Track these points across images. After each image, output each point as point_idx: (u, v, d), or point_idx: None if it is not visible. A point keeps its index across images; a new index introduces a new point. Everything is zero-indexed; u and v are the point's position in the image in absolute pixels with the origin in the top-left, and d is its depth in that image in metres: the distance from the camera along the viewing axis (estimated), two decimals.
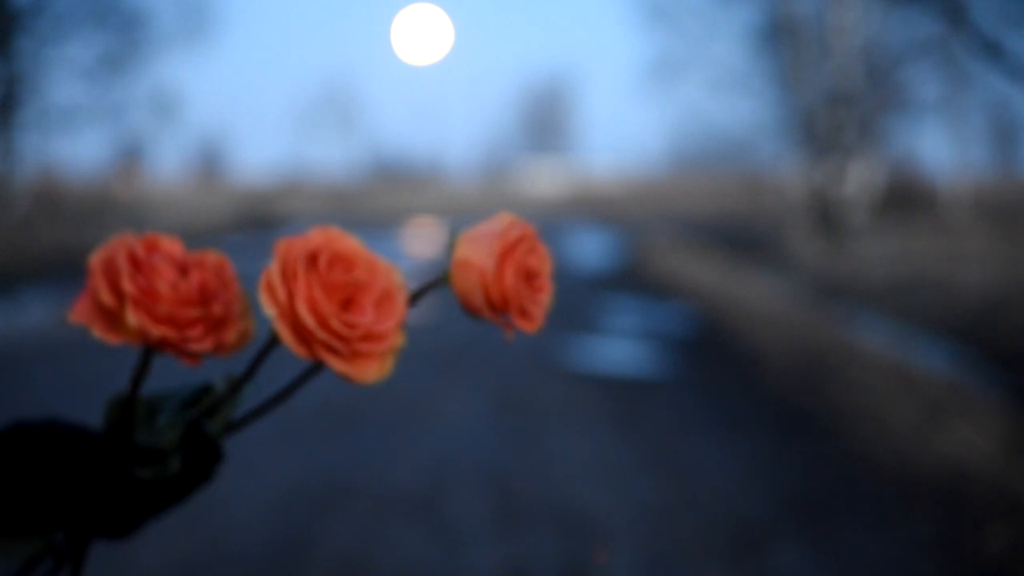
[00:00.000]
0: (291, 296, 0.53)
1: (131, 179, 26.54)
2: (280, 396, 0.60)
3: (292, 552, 3.67)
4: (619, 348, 7.86)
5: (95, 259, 0.55)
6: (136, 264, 0.55)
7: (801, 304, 10.67)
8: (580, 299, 10.95)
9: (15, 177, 17.85)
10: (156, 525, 3.90)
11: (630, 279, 13.26)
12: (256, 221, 24.18)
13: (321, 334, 0.53)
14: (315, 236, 0.55)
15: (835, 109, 18.10)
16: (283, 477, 4.55)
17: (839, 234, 17.52)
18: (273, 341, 0.56)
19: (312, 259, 0.54)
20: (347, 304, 0.54)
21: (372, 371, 0.55)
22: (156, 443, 0.57)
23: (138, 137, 23.07)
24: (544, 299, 0.60)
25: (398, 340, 0.55)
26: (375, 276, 0.55)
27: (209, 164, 43.78)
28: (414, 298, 0.57)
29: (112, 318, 0.54)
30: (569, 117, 52.62)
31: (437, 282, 0.59)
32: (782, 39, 18.82)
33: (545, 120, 51.88)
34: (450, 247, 0.60)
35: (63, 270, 13.79)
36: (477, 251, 0.59)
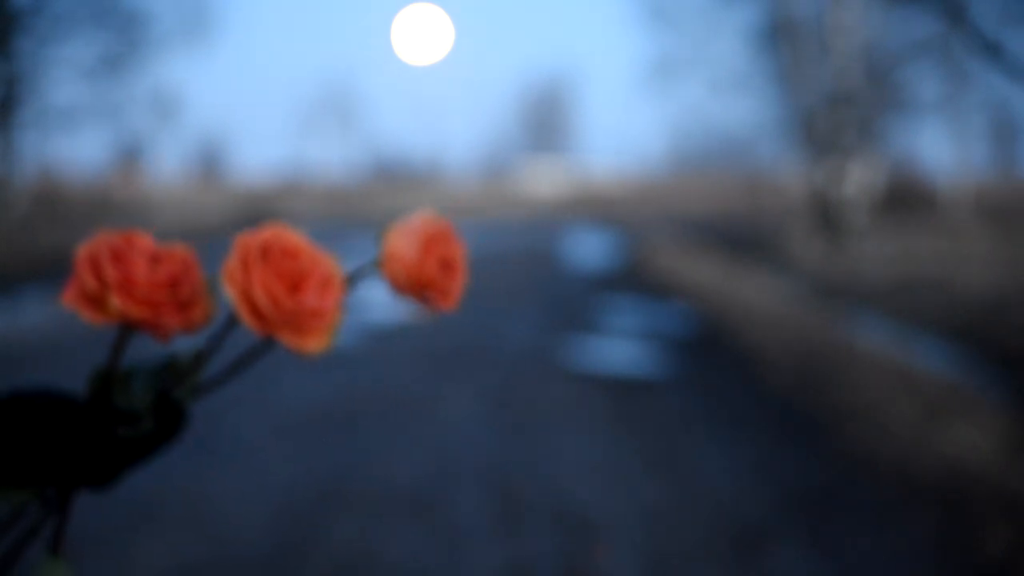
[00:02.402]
0: (249, 282, 0.64)
1: (131, 179, 26.54)
2: (236, 367, 0.69)
3: (293, 551, 3.67)
4: (619, 348, 7.86)
5: (81, 252, 0.65)
6: (116, 256, 0.65)
7: (801, 304, 10.67)
8: (580, 299, 10.95)
9: (15, 177, 17.85)
10: (158, 525, 3.90)
11: (630, 279, 13.26)
12: (256, 221, 24.14)
13: (274, 313, 0.64)
14: (267, 232, 0.66)
15: (835, 109, 18.10)
16: (283, 476, 4.54)
17: (839, 234, 17.53)
18: (232, 320, 0.66)
19: (265, 251, 0.65)
20: (294, 288, 0.65)
21: (316, 343, 0.66)
22: (132, 406, 0.68)
23: (138, 137, 23.06)
24: (459, 283, 0.72)
25: (338, 317, 0.66)
26: (317, 264, 0.66)
27: (209, 164, 43.79)
28: (349, 282, 0.68)
29: (97, 302, 0.65)
30: (569, 117, 52.65)
31: (368, 269, 0.71)
32: (782, 39, 18.82)
33: (545, 120, 51.89)
34: (380, 241, 0.71)
35: (63, 270, 13.78)
36: (403, 244, 0.70)
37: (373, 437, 5.23)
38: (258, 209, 27.41)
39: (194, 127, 54.53)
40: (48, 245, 15.44)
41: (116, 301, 0.64)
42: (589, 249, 18.68)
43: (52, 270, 13.66)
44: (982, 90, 19.18)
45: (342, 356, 7.30)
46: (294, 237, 0.66)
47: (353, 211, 30.34)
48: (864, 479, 4.51)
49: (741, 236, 19.78)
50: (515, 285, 12.35)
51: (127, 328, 0.66)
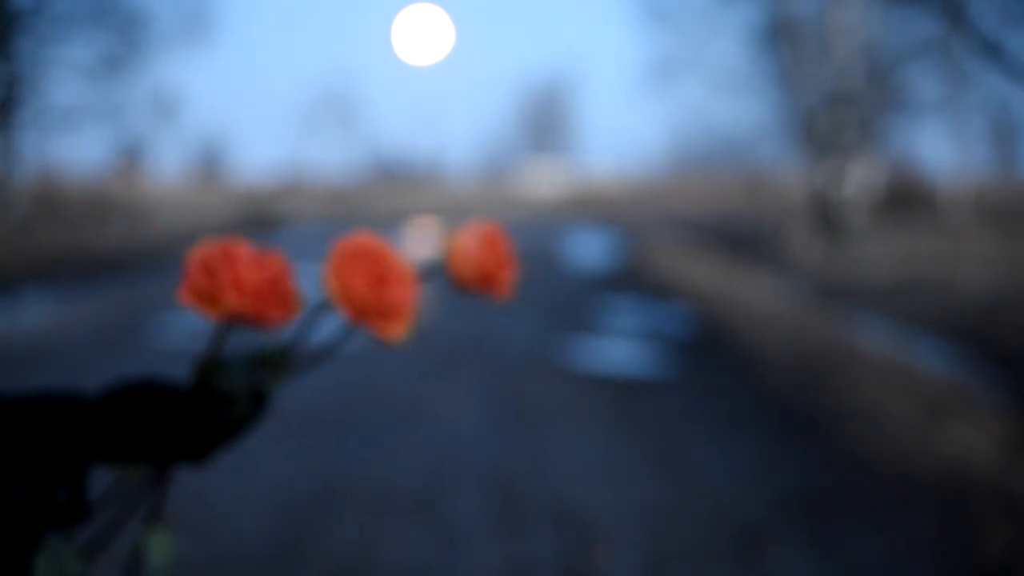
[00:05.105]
0: (347, 279, 0.79)
1: (131, 179, 26.53)
2: (325, 351, 0.82)
3: (294, 551, 3.67)
4: (620, 348, 7.86)
5: (192, 257, 0.78)
6: (227, 259, 0.78)
7: (801, 304, 10.67)
8: (580, 299, 10.95)
9: (15, 177, 17.85)
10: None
11: (631, 280, 13.26)
12: (256, 221, 24.17)
13: (368, 304, 0.78)
14: (357, 237, 0.80)
15: (835, 109, 18.10)
16: (284, 475, 4.54)
17: (839, 234, 17.52)
18: (315, 314, 0.80)
19: (357, 253, 0.79)
20: (382, 283, 0.79)
21: (399, 330, 0.80)
22: (229, 391, 0.79)
23: (138, 137, 23.07)
24: (513, 275, 0.86)
25: (415, 308, 0.80)
26: (397, 263, 0.80)
27: (209, 164, 43.76)
28: (423, 277, 0.82)
29: (210, 299, 0.77)
30: (569, 117, 52.61)
31: (438, 265, 0.83)
32: (782, 40, 18.81)
33: (545, 120, 51.88)
34: (446, 239, 0.84)
35: (63, 270, 13.78)
36: (469, 243, 0.84)
37: (374, 436, 5.23)
38: (258, 209, 27.39)
39: (194, 127, 54.48)
40: (48, 245, 15.44)
41: (230, 298, 0.77)
42: (589, 249, 18.67)
43: (52, 270, 13.66)
44: (982, 90, 19.16)
45: (343, 356, 7.29)
46: (378, 241, 0.80)
47: (353, 211, 30.33)
48: (864, 479, 4.51)
49: (741, 236, 19.77)
50: (515, 285, 12.34)
51: (230, 322, 0.78)
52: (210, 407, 0.79)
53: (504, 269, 0.85)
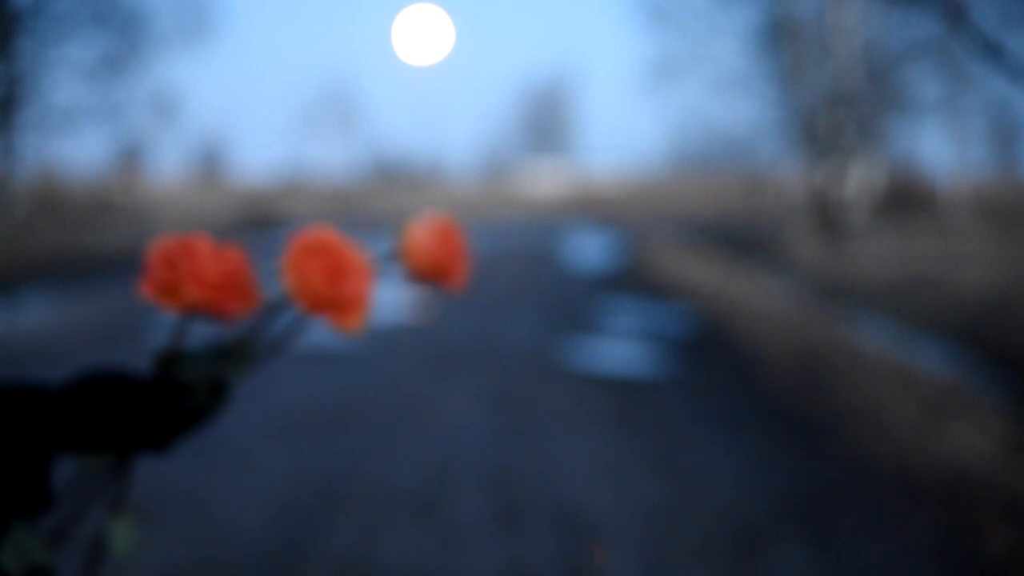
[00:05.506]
0: (304, 272, 0.80)
1: (131, 179, 26.53)
2: (282, 343, 0.82)
3: (295, 552, 3.67)
4: (620, 349, 7.86)
5: (153, 252, 0.79)
6: (187, 253, 0.79)
7: (801, 304, 10.67)
8: (581, 300, 10.95)
9: (15, 177, 17.85)
10: (158, 525, 3.90)
11: (631, 280, 13.26)
12: (256, 221, 24.17)
13: (323, 297, 0.80)
14: (314, 231, 0.81)
15: (835, 110, 18.11)
16: (284, 477, 4.55)
17: (839, 234, 17.52)
18: (274, 308, 0.81)
19: (314, 247, 0.80)
20: (337, 276, 0.80)
21: (354, 322, 0.81)
22: (189, 381, 0.81)
23: (138, 137, 23.09)
24: (466, 269, 0.87)
25: (371, 299, 0.82)
26: (352, 257, 0.81)
27: (209, 164, 43.75)
28: (375, 267, 0.83)
29: (171, 292, 0.79)
30: (570, 118, 52.61)
31: (390, 259, 0.85)
32: (782, 40, 18.82)
33: (545, 120, 51.87)
34: (401, 234, 0.87)
35: (63, 270, 13.79)
36: (422, 236, 0.86)
37: (373, 437, 5.23)
38: (258, 209, 27.40)
39: (194, 127, 54.44)
40: (48, 245, 15.44)
41: (191, 289, 0.79)
42: (589, 250, 18.68)
43: (52, 270, 13.66)
44: (982, 91, 19.15)
45: (344, 356, 7.30)
46: (334, 235, 0.82)
47: (353, 211, 30.33)
48: (864, 479, 4.51)
49: (741, 236, 19.78)
50: (516, 286, 12.35)
51: (191, 313, 0.80)
52: (171, 397, 0.82)
53: (457, 262, 0.87)
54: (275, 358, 0.83)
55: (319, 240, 0.81)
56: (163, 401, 0.81)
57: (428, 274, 0.86)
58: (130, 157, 25.62)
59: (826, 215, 18.28)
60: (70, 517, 0.78)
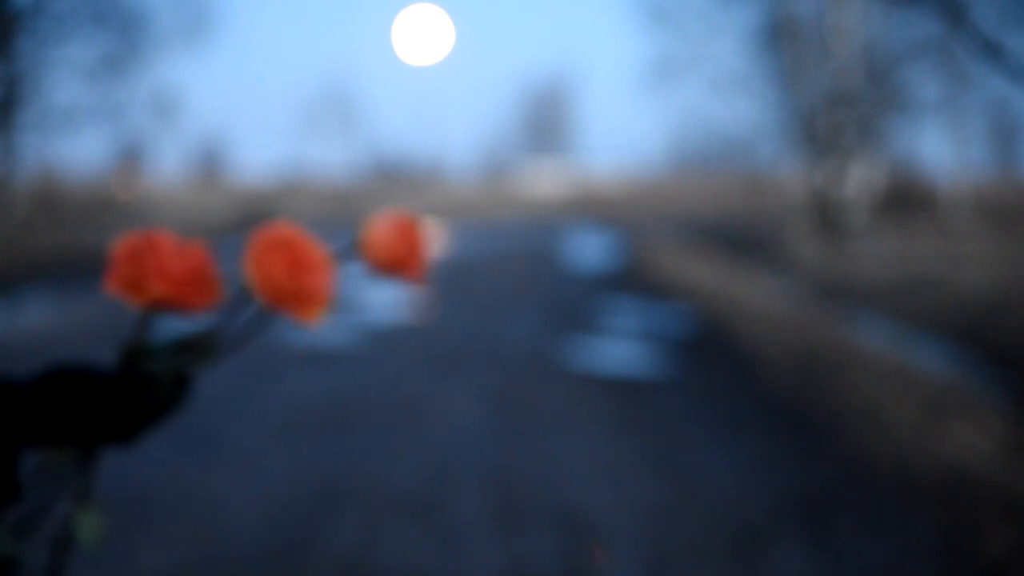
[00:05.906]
0: (265, 267, 0.80)
1: (131, 180, 26.54)
2: (238, 342, 0.83)
3: (295, 552, 3.67)
4: (620, 349, 7.86)
5: (118, 248, 0.80)
6: (152, 249, 0.80)
7: (801, 304, 10.67)
8: (581, 300, 10.95)
9: (15, 177, 17.84)
10: (158, 524, 3.90)
11: (631, 280, 13.26)
12: (256, 221, 24.11)
13: (284, 291, 0.80)
14: (275, 227, 0.82)
15: (835, 110, 18.10)
16: (284, 476, 4.54)
17: (839, 234, 17.52)
18: (238, 303, 0.81)
19: (275, 243, 0.81)
20: (298, 270, 0.81)
21: (315, 315, 0.81)
22: (154, 374, 0.82)
23: (138, 137, 23.10)
24: (425, 262, 0.88)
25: (331, 292, 0.82)
26: (313, 252, 0.82)
27: (209, 164, 43.76)
28: (336, 260, 0.84)
29: (136, 287, 0.81)
30: (570, 118, 52.61)
31: (349, 252, 0.87)
32: (782, 40, 18.81)
33: (545, 121, 51.88)
34: (361, 229, 0.88)
35: (63, 270, 13.78)
36: (381, 231, 0.87)
37: (373, 437, 5.23)
38: (258, 209, 27.40)
39: (194, 127, 54.48)
40: (48, 245, 15.44)
41: (155, 285, 0.80)
42: (589, 250, 18.68)
43: (52, 270, 13.66)
44: (982, 91, 19.15)
45: (344, 356, 7.30)
46: (295, 230, 0.83)
47: (353, 211, 30.33)
48: (864, 479, 4.51)
49: (741, 236, 19.78)
50: (516, 285, 12.35)
51: (155, 308, 0.82)
52: (135, 390, 0.83)
53: (415, 256, 0.88)
54: (239, 352, 0.84)
55: (280, 236, 0.82)
56: (127, 394, 0.82)
57: (387, 267, 0.88)
58: (130, 157, 25.63)
59: (826, 215, 18.28)
60: (37, 509, 0.79)
